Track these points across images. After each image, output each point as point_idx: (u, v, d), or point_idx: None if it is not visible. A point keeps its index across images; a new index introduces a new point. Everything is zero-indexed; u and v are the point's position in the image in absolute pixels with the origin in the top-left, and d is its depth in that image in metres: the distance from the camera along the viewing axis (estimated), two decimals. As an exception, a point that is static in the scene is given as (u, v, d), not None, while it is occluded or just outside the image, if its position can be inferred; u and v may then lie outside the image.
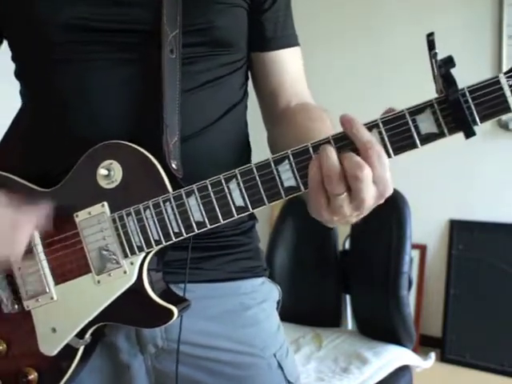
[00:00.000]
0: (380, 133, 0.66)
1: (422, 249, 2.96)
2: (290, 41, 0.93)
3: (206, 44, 0.82)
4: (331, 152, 0.65)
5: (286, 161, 0.68)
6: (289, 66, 0.92)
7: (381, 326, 2.00)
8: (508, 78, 0.64)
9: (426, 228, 2.90)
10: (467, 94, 0.64)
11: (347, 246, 2.24)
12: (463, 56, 2.96)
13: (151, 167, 0.74)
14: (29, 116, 0.86)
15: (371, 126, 0.66)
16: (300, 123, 0.86)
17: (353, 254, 2.13)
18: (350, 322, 2.36)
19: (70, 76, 0.79)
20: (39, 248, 0.78)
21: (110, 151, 0.76)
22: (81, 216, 0.76)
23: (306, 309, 2.21)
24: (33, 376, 0.79)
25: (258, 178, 0.70)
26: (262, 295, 0.92)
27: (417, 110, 0.65)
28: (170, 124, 0.77)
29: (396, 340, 1.96)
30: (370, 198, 0.66)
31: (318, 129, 0.83)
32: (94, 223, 0.76)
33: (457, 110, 0.63)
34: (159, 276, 0.80)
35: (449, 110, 0.64)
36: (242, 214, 0.71)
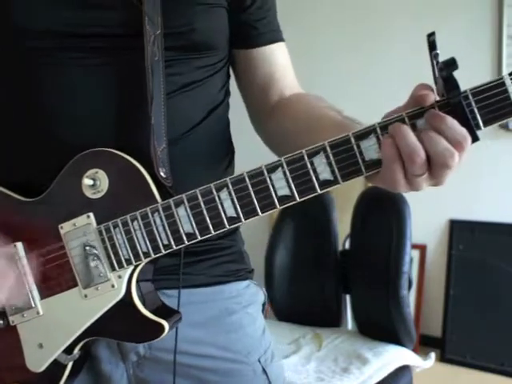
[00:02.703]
0: (327, 157, 0.64)
1: (422, 249, 2.96)
2: (276, 36, 0.91)
3: (186, 47, 0.80)
4: (408, 132, 0.61)
5: (280, 169, 0.65)
6: (277, 60, 0.91)
7: (381, 326, 1.99)
8: None
9: (425, 228, 2.90)
10: (470, 96, 0.61)
11: (347, 245, 2.24)
12: (463, 56, 2.96)
13: (138, 176, 0.71)
14: (5, 123, 0.82)
15: (318, 150, 0.64)
16: (300, 108, 0.85)
17: (353, 254, 2.12)
18: (349, 322, 2.36)
19: (50, 82, 0.76)
20: (24, 261, 0.75)
21: (95, 159, 0.73)
22: (65, 228, 0.73)
23: (306, 309, 2.21)
24: None
25: (250, 187, 0.67)
26: (247, 299, 0.90)
27: (362, 135, 0.63)
28: (157, 130, 0.74)
29: (396, 340, 1.96)
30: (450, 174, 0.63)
31: (315, 106, 0.83)
32: (80, 235, 0.72)
33: (459, 113, 0.61)
34: (149, 288, 0.77)
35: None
36: (234, 225, 0.68)
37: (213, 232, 0.69)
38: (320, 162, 0.64)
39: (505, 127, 2.72)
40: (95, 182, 0.72)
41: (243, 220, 0.68)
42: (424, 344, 2.89)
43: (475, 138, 0.61)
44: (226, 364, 0.85)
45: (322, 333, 2.10)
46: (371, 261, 2.00)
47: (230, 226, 0.68)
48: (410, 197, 1.95)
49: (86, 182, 0.72)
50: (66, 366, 0.75)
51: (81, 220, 0.73)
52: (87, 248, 0.72)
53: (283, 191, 0.66)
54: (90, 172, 0.72)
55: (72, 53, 0.75)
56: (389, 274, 1.91)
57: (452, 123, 0.60)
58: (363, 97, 3.01)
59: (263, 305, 0.94)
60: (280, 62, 0.91)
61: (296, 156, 0.65)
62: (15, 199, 0.77)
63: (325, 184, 0.65)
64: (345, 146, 0.63)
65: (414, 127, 0.61)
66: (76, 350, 0.75)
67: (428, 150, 0.60)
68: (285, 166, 0.65)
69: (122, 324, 0.74)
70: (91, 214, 0.73)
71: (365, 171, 0.64)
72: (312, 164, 0.65)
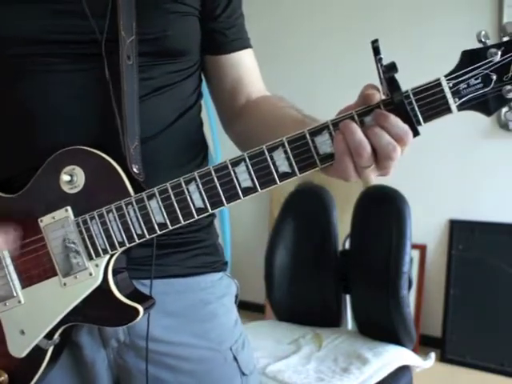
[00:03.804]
0: (286, 151, 0.70)
1: (422, 249, 2.96)
2: (244, 43, 0.96)
3: (159, 53, 0.84)
4: (356, 129, 0.67)
5: (243, 163, 0.71)
6: (245, 66, 0.96)
7: (381, 326, 2.00)
8: (449, 80, 0.68)
9: (426, 228, 2.91)
10: (411, 95, 0.67)
11: (347, 245, 2.24)
12: (463, 56, 2.96)
13: (113, 172, 0.76)
14: None
15: (277, 145, 0.70)
16: (265, 108, 0.91)
17: (353, 254, 2.12)
18: (349, 322, 2.36)
19: (29, 86, 0.80)
20: (5, 253, 0.80)
21: (72, 157, 0.77)
22: (45, 221, 0.78)
23: (306, 309, 2.21)
24: (3, 378, 0.81)
25: (216, 180, 0.72)
26: (221, 290, 0.95)
27: (316, 131, 0.70)
28: (130, 129, 0.79)
29: (396, 340, 1.96)
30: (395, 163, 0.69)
31: (279, 106, 0.89)
32: (59, 227, 0.77)
33: (401, 111, 0.66)
34: (124, 275, 0.82)
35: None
36: (202, 215, 0.74)
37: (182, 222, 0.74)
38: (279, 157, 0.70)
39: (505, 127, 2.72)
40: (72, 178, 0.77)
41: (210, 210, 0.74)
42: (424, 344, 2.90)
43: (416, 133, 0.67)
44: (200, 351, 0.90)
45: (322, 333, 2.10)
46: (371, 261, 2.00)
47: (198, 216, 0.74)
48: (410, 197, 1.95)
49: (64, 177, 0.77)
50: (47, 351, 0.80)
51: (59, 213, 0.78)
52: (66, 239, 0.77)
53: (246, 183, 0.72)
54: (68, 168, 0.77)
55: (49, 59, 0.79)
56: (389, 274, 1.91)
57: (395, 121, 0.66)
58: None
59: (236, 296, 1.00)
60: (247, 68, 0.97)
61: (257, 151, 0.71)
62: None
63: (284, 176, 0.71)
64: (301, 141, 0.70)
65: (362, 123, 0.68)
66: (56, 336, 0.80)
67: (374, 145, 0.67)
68: (247, 160, 0.71)
69: (99, 309, 0.79)
70: (69, 208, 0.77)
71: (320, 164, 0.70)
72: (272, 158, 0.70)
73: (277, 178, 0.71)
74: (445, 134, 2.72)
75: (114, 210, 0.75)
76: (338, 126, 0.69)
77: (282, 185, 0.72)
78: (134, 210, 0.75)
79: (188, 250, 0.90)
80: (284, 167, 0.70)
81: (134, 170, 0.77)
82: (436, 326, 2.89)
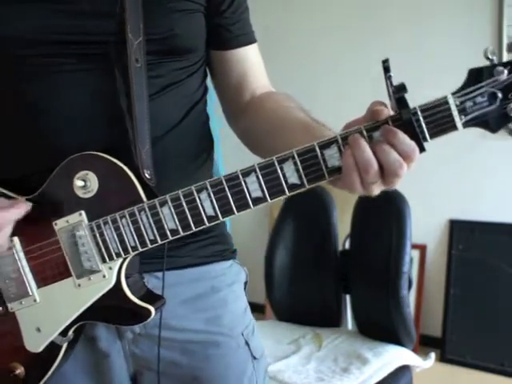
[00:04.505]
0: (295, 163, 0.71)
1: (422, 249, 2.96)
2: (250, 38, 0.97)
3: (167, 51, 0.85)
4: (365, 145, 0.68)
5: (253, 173, 0.72)
6: (250, 61, 0.97)
7: (381, 326, 2.00)
8: (456, 97, 0.68)
9: (426, 228, 2.90)
10: (419, 112, 0.68)
11: (347, 245, 2.24)
12: (463, 56, 2.96)
13: (125, 177, 0.78)
14: (1, 124, 0.87)
15: (285, 158, 0.71)
16: (271, 107, 0.92)
17: (353, 254, 2.13)
18: (349, 322, 2.36)
19: (36, 87, 0.81)
20: (21, 255, 0.81)
21: (85, 162, 0.78)
22: (59, 224, 0.80)
23: (306, 309, 2.21)
24: (19, 370, 0.83)
25: (227, 189, 0.74)
26: (231, 277, 0.97)
27: (325, 144, 0.71)
28: (141, 133, 0.80)
29: (396, 340, 1.96)
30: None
31: (285, 107, 0.89)
32: (73, 231, 0.79)
33: (409, 128, 0.68)
34: (136, 277, 0.84)
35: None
36: (213, 223, 0.75)
37: (194, 229, 0.76)
38: (289, 168, 0.72)
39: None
40: (86, 183, 0.78)
41: (221, 218, 0.75)
42: (424, 344, 2.90)
43: (422, 149, 0.69)
44: (213, 337, 0.92)
45: (322, 333, 2.10)
46: (371, 261, 2.00)
47: (209, 223, 0.75)
48: (410, 197, 1.95)
49: (78, 183, 0.78)
50: (61, 347, 0.82)
51: (73, 217, 0.79)
52: (80, 243, 0.79)
53: (256, 193, 0.73)
54: (81, 173, 0.79)
55: (58, 59, 0.80)
56: (389, 274, 1.91)
57: (403, 138, 0.68)
58: (363, 98, 3.01)
59: (245, 283, 1.02)
60: (252, 63, 0.97)
61: (268, 162, 0.72)
62: (10, 197, 0.82)
63: (293, 187, 0.72)
64: (310, 153, 0.71)
65: (370, 139, 0.69)
66: (70, 332, 0.82)
67: (381, 161, 0.68)
68: (258, 171, 0.72)
69: (112, 310, 0.81)
70: (83, 212, 0.79)
71: (328, 176, 0.71)
72: (282, 169, 0.72)
73: (286, 189, 0.72)
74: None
75: (128, 216, 0.77)
76: (346, 140, 0.70)
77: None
78: (147, 216, 0.76)
79: (198, 240, 0.91)
80: (293, 179, 0.72)
81: (146, 175, 0.79)
82: (436, 326, 2.89)
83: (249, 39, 0.97)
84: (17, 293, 0.82)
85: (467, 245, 2.82)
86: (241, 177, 0.73)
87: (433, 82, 2.93)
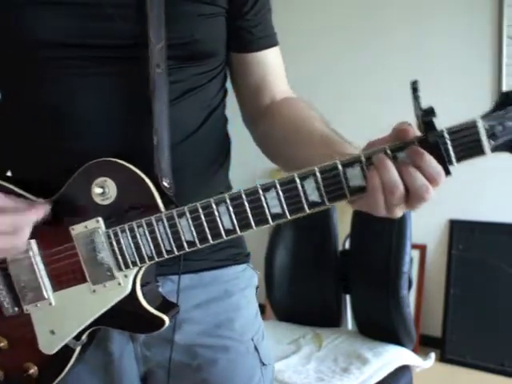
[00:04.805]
0: (316, 181, 0.69)
1: (422, 249, 2.96)
2: (272, 41, 0.95)
3: (186, 56, 0.83)
4: (391, 167, 0.66)
5: (273, 189, 0.71)
6: (271, 65, 0.94)
7: (381, 326, 2.00)
8: (485, 121, 0.65)
9: (425, 228, 2.90)
10: (446, 135, 0.66)
11: (347, 245, 2.24)
12: (463, 56, 2.96)
13: (144, 186, 0.77)
14: (11, 124, 0.87)
15: (307, 175, 0.69)
16: (291, 115, 0.89)
17: (353, 254, 2.13)
18: (349, 322, 2.36)
19: (57, 89, 0.80)
20: (38, 258, 0.81)
21: (104, 168, 0.78)
22: (76, 229, 0.79)
23: (306, 309, 2.21)
24: (33, 370, 0.84)
25: (246, 203, 0.72)
26: (244, 282, 0.97)
27: (349, 163, 0.69)
28: (161, 140, 0.79)
29: (396, 340, 1.96)
30: None
31: (305, 116, 0.87)
32: (89, 237, 0.79)
33: (435, 151, 0.66)
34: (152, 285, 0.84)
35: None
36: (231, 236, 0.74)
37: (211, 241, 0.75)
38: (309, 186, 0.70)
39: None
40: (104, 190, 0.78)
41: (239, 232, 0.74)
42: (424, 344, 2.90)
43: (448, 173, 0.67)
44: (223, 341, 0.92)
45: (322, 333, 2.10)
46: (371, 261, 2.00)
47: (227, 237, 0.74)
48: (410, 197, 1.95)
49: (96, 190, 0.78)
50: (74, 350, 0.83)
51: (90, 223, 0.79)
52: (96, 249, 0.79)
53: (276, 209, 0.71)
54: (100, 180, 0.78)
55: (79, 62, 0.79)
56: (389, 274, 1.91)
57: (430, 160, 0.66)
58: (363, 97, 3.01)
59: (256, 288, 1.01)
60: (273, 67, 0.95)
61: (288, 179, 0.71)
62: (28, 199, 0.82)
63: (313, 205, 0.70)
64: (332, 172, 0.69)
65: (395, 159, 0.67)
66: (84, 336, 0.82)
67: (407, 184, 0.66)
68: (278, 187, 0.71)
69: (126, 317, 0.81)
70: (100, 219, 0.78)
71: (349, 196, 0.69)
72: (303, 187, 0.70)
73: (306, 207, 0.70)
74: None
75: (145, 225, 0.76)
76: (370, 160, 0.67)
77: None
78: (164, 227, 0.75)
79: (214, 243, 0.91)
80: (314, 197, 0.70)
81: (165, 183, 0.78)
82: (436, 326, 2.89)
83: (270, 42, 0.94)
84: (32, 295, 0.82)
85: (467, 245, 2.82)
86: (261, 191, 0.71)
87: (433, 81, 2.93)
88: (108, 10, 0.78)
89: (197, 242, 0.75)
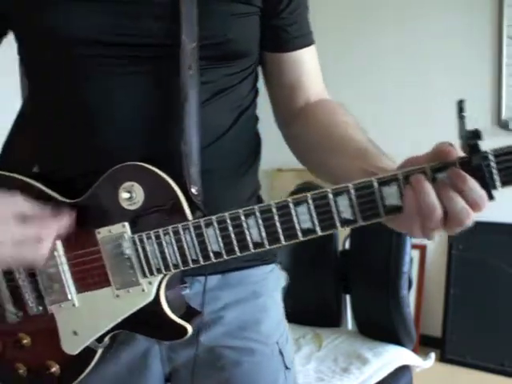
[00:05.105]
0: (350, 198, 0.67)
1: (422, 249, 2.96)
2: (307, 40, 0.92)
3: (218, 57, 0.82)
4: (429, 189, 0.63)
5: (305, 203, 0.68)
6: (306, 65, 0.92)
7: (381, 326, 2.00)
8: None
9: (425, 228, 2.90)
10: (491, 158, 0.62)
11: (347, 245, 2.24)
12: (464, 56, 2.96)
13: (172, 192, 0.76)
14: (42, 120, 0.86)
15: (342, 191, 0.67)
16: (325, 120, 0.87)
17: (353, 254, 2.13)
18: (349, 322, 2.36)
19: (92, 89, 0.79)
20: (63, 259, 0.81)
21: (131, 172, 0.77)
22: (102, 233, 0.78)
23: (306, 309, 2.21)
24: (55, 369, 0.84)
25: (276, 217, 0.70)
26: (272, 283, 0.95)
27: (385, 182, 0.66)
28: (190, 145, 0.78)
29: (396, 340, 1.96)
30: None
31: (340, 122, 0.84)
32: (115, 242, 0.78)
33: (478, 174, 0.63)
34: (176, 293, 0.82)
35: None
36: (259, 250, 0.72)
37: (238, 253, 0.73)
38: (343, 203, 0.67)
39: (505, 127, 2.72)
40: (131, 195, 0.77)
41: (267, 246, 0.72)
42: (424, 344, 2.90)
43: (491, 197, 0.64)
44: (249, 343, 0.90)
45: (322, 333, 2.10)
46: (371, 261, 2.00)
47: (254, 250, 0.72)
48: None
49: (123, 194, 0.77)
50: (96, 352, 0.83)
51: (116, 228, 0.78)
52: (121, 254, 0.78)
53: (306, 224, 0.69)
54: (127, 184, 0.77)
55: (112, 60, 0.78)
56: (389, 274, 1.91)
57: (473, 185, 0.62)
58: (358, 97, 3.01)
59: (283, 289, 1.00)
60: (308, 67, 0.92)
61: (321, 194, 0.68)
62: (56, 200, 0.81)
63: (345, 223, 0.68)
64: (368, 190, 0.66)
65: (434, 180, 0.64)
66: (106, 339, 0.82)
67: (446, 207, 0.63)
68: (310, 202, 0.68)
69: (149, 323, 0.80)
70: (126, 224, 0.77)
71: (384, 215, 0.66)
72: (336, 203, 0.67)
73: (338, 224, 0.68)
74: (444, 134, 2.71)
75: (171, 233, 0.75)
76: (408, 179, 0.64)
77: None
78: (191, 236, 0.74)
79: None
80: (347, 214, 0.67)
81: (193, 190, 0.77)
82: (436, 326, 2.89)
83: (306, 41, 0.91)
84: (56, 295, 0.82)
85: (467, 245, 2.82)
86: (291, 205, 0.69)
87: (433, 82, 2.93)
88: (142, 8, 0.77)
89: (223, 253, 0.73)
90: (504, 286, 2.70)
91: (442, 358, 2.80)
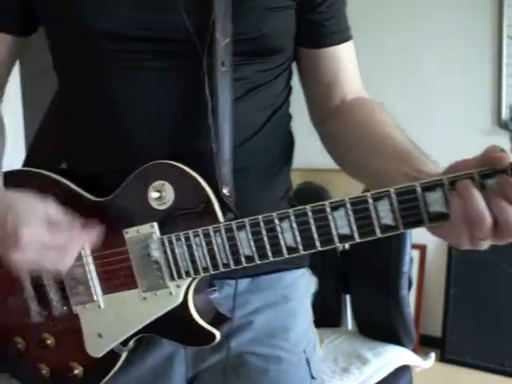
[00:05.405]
0: (391, 203, 0.63)
1: (422, 249, 2.96)
2: (345, 36, 0.89)
3: (252, 52, 0.79)
4: (477, 196, 0.59)
5: (343, 208, 0.65)
6: (344, 61, 0.89)
7: (381, 326, 2.00)
8: None
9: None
10: None
11: (347, 246, 2.24)
12: (464, 56, 2.96)
13: (203, 193, 0.73)
14: (69, 115, 0.85)
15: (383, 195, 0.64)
16: (363, 119, 0.83)
17: (353, 254, 2.12)
18: (349, 322, 2.36)
19: (120, 84, 0.78)
20: (89, 259, 0.79)
21: (162, 171, 0.75)
22: (130, 233, 0.76)
23: (306, 309, 2.21)
24: (78, 371, 0.82)
25: (312, 221, 0.67)
26: (302, 288, 0.93)
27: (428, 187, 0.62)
28: (222, 144, 0.75)
29: (396, 340, 1.96)
30: None
31: (379, 121, 0.81)
32: (143, 242, 0.75)
33: None
34: (205, 297, 0.80)
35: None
36: (293, 255, 0.70)
37: (271, 258, 0.70)
38: (383, 208, 0.64)
39: (505, 127, 2.72)
40: (161, 194, 0.74)
41: (301, 252, 0.69)
42: (424, 344, 2.89)
43: None
44: (276, 351, 0.87)
45: (322, 333, 2.10)
46: (371, 261, 2.00)
47: (288, 255, 0.69)
48: (410, 197, 1.95)
49: (153, 194, 0.74)
50: (121, 355, 0.80)
51: (145, 228, 0.75)
52: (149, 255, 0.75)
53: (344, 230, 0.66)
54: (157, 183, 0.74)
55: (140, 55, 0.76)
56: (389, 274, 1.91)
57: None
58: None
59: (313, 294, 0.97)
60: (346, 63, 0.89)
61: (360, 198, 0.65)
62: (84, 197, 0.80)
63: (386, 229, 0.65)
64: (410, 195, 0.63)
65: (483, 186, 0.60)
66: (131, 343, 0.80)
67: (496, 216, 0.59)
68: (348, 206, 0.65)
69: (176, 328, 0.78)
70: (155, 224, 0.75)
71: (428, 222, 0.63)
72: (375, 208, 0.64)
73: (378, 230, 0.65)
74: (444, 134, 2.72)
75: (202, 235, 0.72)
76: (454, 185, 0.60)
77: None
78: (222, 239, 0.71)
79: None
80: (387, 220, 0.64)
81: (225, 191, 0.74)
82: (436, 326, 2.89)
83: (344, 36, 0.88)
84: (82, 296, 0.80)
85: (467, 245, 2.82)
86: (328, 210, 0.66)
87: (433, 82, 2.93)
88: (169, 2, 0.75)
89: (256, 257, 0.71)
90: (504, 285, 2.70)
91: (442, 358, 2.80)
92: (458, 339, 2.79)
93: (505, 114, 2.68)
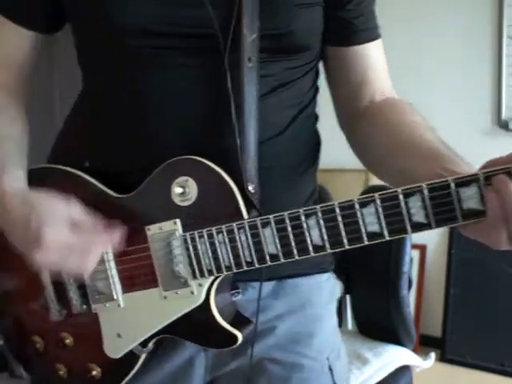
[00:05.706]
0: (423, 199, 0.61)
1: (422, 249, 2.96)
2: (374, 34, 0.87)
3: (279, 49, 0.78)
4: None
5: (372, 204, 0.63)
6: (372, 60, 0.87)
7: (381, 326, 1.99)
8: None
9: (426, 228, 2.90)
10: None
11: (347, 246, 2.24)
12: (463, 56, 2.95)
13: (227, 189, 0.72)
14: (94, 112, 0.85)
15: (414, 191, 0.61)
16: (394, 120, 0.82)
17: (353, 254, 2.12)
18: (349, 322, 2.36)
19: (146, 80, 0.77)
20: (110, 256, 0.78)
21: (187, 167, 0.73)
22: (152, 230, 0.75)
23: (306, 309, 2.20)
24: (96, 372, 0.81)
25: (339, 218, 0.65)
26: (327, 293, 0.91)
27: (462, 183, 0.60)
28: (247, 140, 0.74)
29: (396, 340, 1.96)
30: None
31: (410, 121, 0.79)
32: (165, 239, 0.74)
33: None
34: (227, 298, 0.78)
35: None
36: (319, 253, 0.68)
37: (296, 257, 0.68)
38: (415, 204, 0.62)
39: (505, 127, 2.72)
40: (185, 190, 0.73)
41: (328, 250, 0.67)
42: (424, 344, 2.89)
43: None
44: (299, 358, 0.85)
45: (322, 333, 2.10)
46: (371, 261, 2.00)
47: (314, 253, 0.67)
48: (410, 197, 1.95)
49: (176, 190, 0.73)
50: (140, 357, 0.79)
51: (167, 225, 0.74)
52: (171, 253, 0.74)
53: (373, 227, 0.64)
54: (181, 179, 0.73)
55: (167, 51, 0.76)
56: (389, 274, 1.91)
57: None
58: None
59: (338, 300, 0.95)
60: (374, 62, 0.87)
61: (391, 194, 0.63)
62: (106, 194, 0.79)
63: (417, 226, 0.62)
64: (444, 191, 0.60)
65: None
66: (150, 344, 0.78)
67: None
68: (378, 202, 0.63)
69: (197, 329, 0.76)
70: (178, 221, 0.73)
71: (461, 220, 0.61)
72: (406, 204, 0.62)
73: (409, 228, 0.62)
74: (444, 134, 2.71)
75: (225, 232, 0.70)
76: (490, 181, 0.58)
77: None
78: (246, 236, 0.69)
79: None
80: (418, 217, 0.62)
81: (250, 188, 0.73)
82: (436, 326, 2.89)
83: (373, 35, 0.87)
84: (102, 294, 0.79)
85: (467, 245, 2.82)
86: (357, 206, 0.64)
87: (432, 81, 2.93)
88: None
89: (280, 255, 0.68)
90: (504, 286, 2.69)
91: (442, 358, 2.80)
92: (458, 339, 2.79)
93: None
